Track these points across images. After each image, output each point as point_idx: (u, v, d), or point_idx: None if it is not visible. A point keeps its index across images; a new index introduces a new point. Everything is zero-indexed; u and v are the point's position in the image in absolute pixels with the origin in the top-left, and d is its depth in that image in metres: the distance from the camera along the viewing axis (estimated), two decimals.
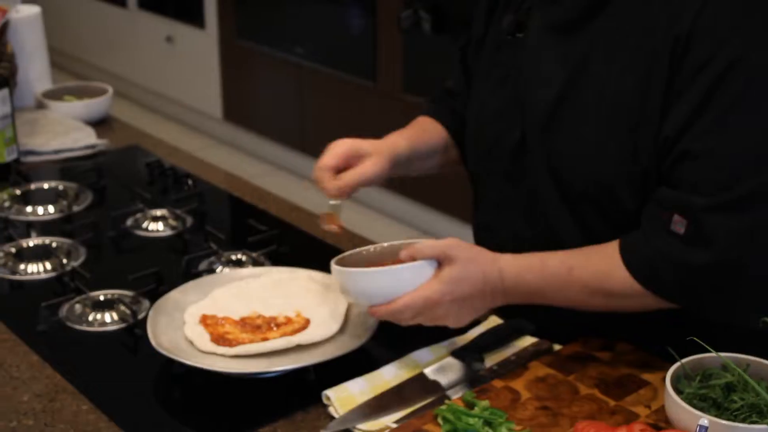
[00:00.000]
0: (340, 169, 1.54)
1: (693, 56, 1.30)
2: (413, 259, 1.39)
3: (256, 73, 4.90)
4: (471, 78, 1.69)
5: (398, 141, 1.63)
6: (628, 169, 1.38)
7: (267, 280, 1.63)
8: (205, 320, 1.54)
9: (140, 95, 5.75)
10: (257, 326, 1.52)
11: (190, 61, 5.26)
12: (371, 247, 1.51)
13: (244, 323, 1.53)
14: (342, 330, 1.52)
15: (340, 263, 1.46)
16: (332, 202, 1.55)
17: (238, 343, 1.47)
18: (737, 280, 1.33)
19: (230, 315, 1.55)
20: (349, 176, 1.53)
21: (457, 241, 1.40)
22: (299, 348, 1.47)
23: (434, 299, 1.37)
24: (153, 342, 1.46)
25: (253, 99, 4.99)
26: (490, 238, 1.58)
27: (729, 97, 1.29)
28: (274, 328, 1.52)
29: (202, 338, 1.49)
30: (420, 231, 4.20)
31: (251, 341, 1.48)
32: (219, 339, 1.48)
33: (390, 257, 1.48)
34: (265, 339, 1.48)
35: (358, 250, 1.50)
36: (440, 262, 1.39)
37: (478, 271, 1.39)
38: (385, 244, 1.51)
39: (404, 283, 1.38)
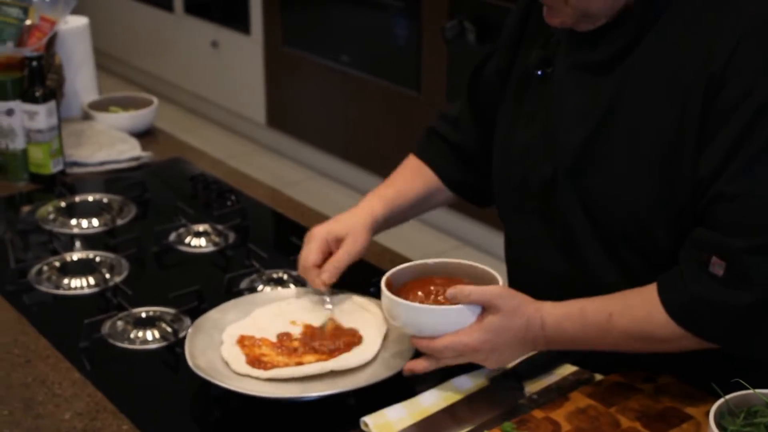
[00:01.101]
0: (324, 260, 1.59)
1: (727, 94, 1.29)
2: (459, 302, 1.39)
3: (300, 79, 4.91)
4: (477, 108, 1.68)
5: (375, 207, 1.65)
6: (663, 207, 1.36)
7: (307, 301, 1.63)
8: (243, 341, 1.54)
9: (185, 99, 5.79)
10: (293, 349, 1.52)
11: (235, 67, 5.29)
12: (423, 262, 1.52)
13: (281, 345, 1.53)
14: (380, 355, 1.51)
15: (391, 279, 1.47)
16: (326, 306, 1.61)
17: (273, 366, 1.47)
18: None
19: (268, 336, 1.55)
20: (330, 266, 1.58)
21: (504, 290, 1.40)
22: (337, 372, 1.47)
23: (474, 346, 1.38)
24: (190, 362, 1.46)
25: (297, 105, 5.01)
26: (523, 274, 1.57)
27: (763, 137, 1.28)
28: (317, 346, 1.51)
29: (238, 360, 1.50)
30: (446, 233, 4.18)
31: (286, 365, 1.48)
32: (254, 361, 1.48)
33: (439, 273, 1.50)
34: (300, 363, 1.48)
35: (408, 264, 1.51)
36: (485, 308, 1.39)
37: (522, 321, 1.38)
38: (431, 262, 1.52)
39: (446, 324, 1.39)
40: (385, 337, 1.54)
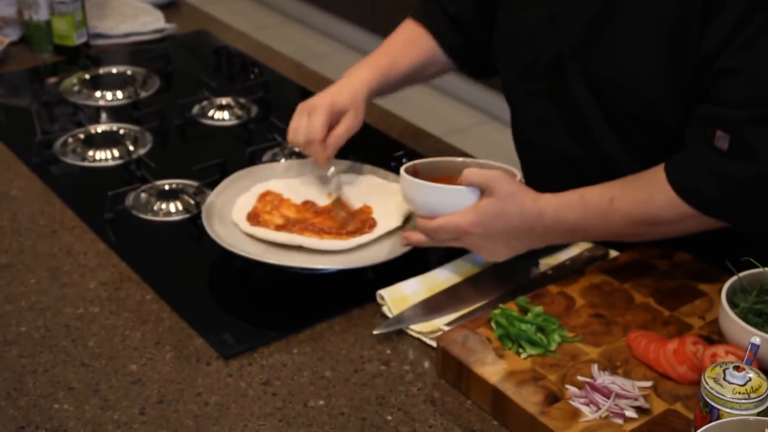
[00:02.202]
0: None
1: None
2: (458, 182, 1.40)
3: None
4: None
5: (370, 78, 1.61)
6: (670, 85, 1.35)
7: (361, 180, 1.64)
8: (266, 196, 1.58)
9: None
10: (301, 220, 1.54)
11: None
12: (452, 159, 1.52)
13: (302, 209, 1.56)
14: (398, 233, 1.52)
15: (417, 166, 1.48)
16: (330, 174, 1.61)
17: (263, 225, 1.51)
18: None
19: (296, 199, 1.59)
20: (334, 141, 1.55)
21: (502, 175, 1.39)
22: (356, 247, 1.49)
23: (464, 228, 1.38)
24: (205, 205, 1.53)
25: None
26: (534, 155, 1.56)
27: (767, 12, 1.25)
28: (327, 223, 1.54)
29: (242, 210, 1.55)
30: (472, 107, 4.16)
31: (278, 228, 1.52)
32: (252, 216, 1.53)
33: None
34: (281, 228, 1.52)
35: (438, 159, 1.52)
36: (482, 191, 1.39)
37: (516, 208, 1.37)
38: (460, 159, 1.52)
39: (442, 203, 1.40)
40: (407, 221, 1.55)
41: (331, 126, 1.56)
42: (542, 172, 1.43)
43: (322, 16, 5.00)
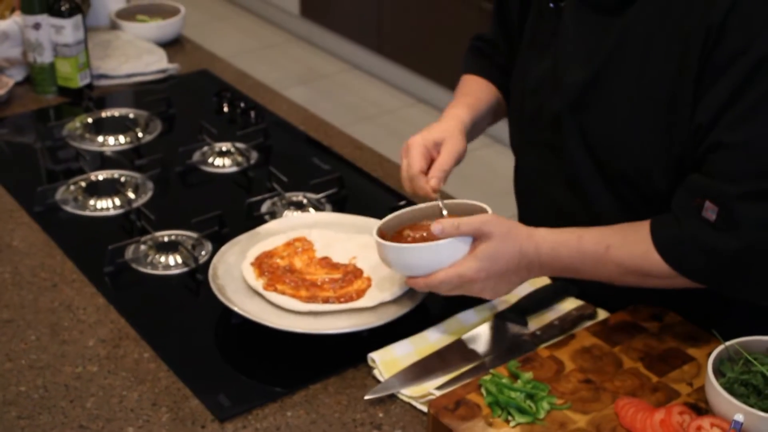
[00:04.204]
0: (427, 167, 1.54)
1: (725, 47, 1.29)
2: (449, 235, 1.38)
3: None
4: (507, 32, 1.68)
5: (461, 114, 1.63)
6: (661, 151, 1.38)
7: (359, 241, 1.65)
8: (294, 242, 1.61)
9: None
10: (306, 281, 1.55)
11: None
12: (412, 209, 1.51)
13: (316, 266, 1.58)
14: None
15: (384, 227, 1.47)
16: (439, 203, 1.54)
17: (266, 268, 1.55)
18: (766, 265, 1.33)
19: (320, 253, 1.61)
20: (437, 171, 1.52)
21: (492, 217, 1.40)
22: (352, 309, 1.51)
23: (469, 276, 1.38)
24: (211, 273, 1.54)
25: None
26: (531, 204, 1.58)
27: (761, 89, 1.28)
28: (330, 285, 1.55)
29: (259, 250, 1.59)
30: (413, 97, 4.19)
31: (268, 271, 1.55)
32: (258, 261, 1.56)
33: (432, 218, 1.49)
34: (273, 287, 1.53)
35: (399, 212, 1.50)
36: (476, 238, 1.39)
37: (515, 246, 1.39)
38: (423, 205, 1.51)
39: (439, 259, 1.39)
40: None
41: (433, 160, 1.55)
42: (538, 220, 1.46)
43: (329, 36, 5.02)
